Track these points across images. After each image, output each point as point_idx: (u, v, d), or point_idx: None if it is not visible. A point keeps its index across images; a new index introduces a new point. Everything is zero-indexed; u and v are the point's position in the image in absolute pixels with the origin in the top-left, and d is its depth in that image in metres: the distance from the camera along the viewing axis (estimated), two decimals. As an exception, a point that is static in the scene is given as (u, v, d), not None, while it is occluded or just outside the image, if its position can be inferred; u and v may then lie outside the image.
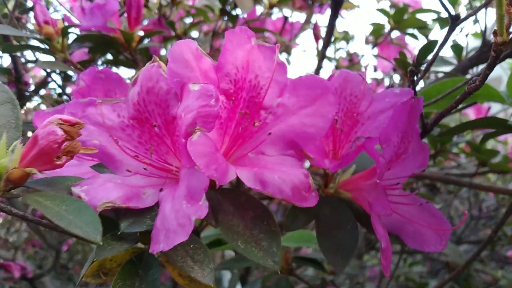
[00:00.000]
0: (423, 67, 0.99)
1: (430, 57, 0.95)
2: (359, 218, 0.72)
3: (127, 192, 0.54)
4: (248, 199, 0.62)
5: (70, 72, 1.36)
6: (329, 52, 2.50)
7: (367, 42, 2.30)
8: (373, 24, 1.76)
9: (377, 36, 1.78)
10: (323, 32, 2.17)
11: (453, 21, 0.67)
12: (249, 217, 0.59)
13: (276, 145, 0.62)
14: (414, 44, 2.42)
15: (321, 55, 1.24)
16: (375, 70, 2.48)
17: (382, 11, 1.66)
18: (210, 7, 1.53)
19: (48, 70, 1.26)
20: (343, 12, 2.21)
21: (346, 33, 2.36)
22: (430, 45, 0.93)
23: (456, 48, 1.21)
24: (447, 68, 1.32)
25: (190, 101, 0.52)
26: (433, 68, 1.16)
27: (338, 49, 2.35)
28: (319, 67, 1.26)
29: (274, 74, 0.63)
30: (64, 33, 1.04)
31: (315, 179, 0.77)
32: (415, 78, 0.79)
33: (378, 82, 2.73)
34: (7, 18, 1.13)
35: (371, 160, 0.66)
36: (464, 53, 1.31)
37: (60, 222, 0.46)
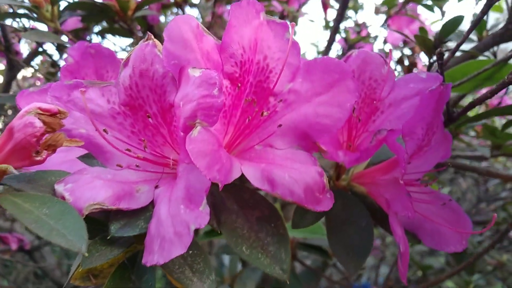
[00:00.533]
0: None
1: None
2: (374, 213, 0.66)
3: (117, 190, 0.47)
4: (252, 195, 0.56)
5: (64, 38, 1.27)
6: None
7: (377, 12, 2.18)
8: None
9: (390, 6, 1.67)
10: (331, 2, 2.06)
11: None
12: (255, 218, 0.53)
13: (286, 137, 0.55)
14: (426, 15, 2.29)
15: (334, 28, 1.14)
16: (385, 42, 2.37)
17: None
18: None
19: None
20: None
21: (355, 1, 2.23)
22: (455, 22, 0.84)
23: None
24: (466, 45, 1.24)
25: (190, 89, 0.44)
26: (451, 44, 1.07)
27: (346, 18, 2.23)
28: (331, 40, 1.17)
29: (285, 55, 0.56)
30: (54, 0, 0.95)
31: (325, 170, 0.71)
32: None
33: (387, 54, 2.63)
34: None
35: (386, 150, 0.59)
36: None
37: (39, 231, 0.39)
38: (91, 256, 0.45)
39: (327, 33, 2.35)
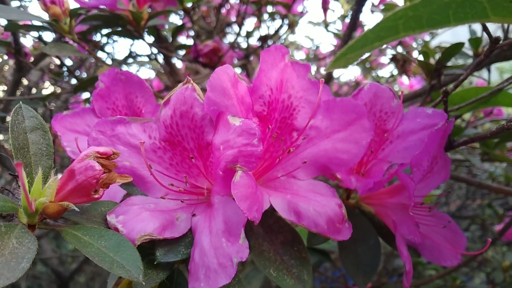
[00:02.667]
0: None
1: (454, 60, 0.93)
2: (380, 231, 0.73)
3: (163, 221, 0.53)
4: (276, 221, 0.62)
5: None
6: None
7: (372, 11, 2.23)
8: (385, 4, 1.70)
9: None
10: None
11: (493, 44, 0.65)
12: (279, 242, 0.60)
13: (308, 169, 0.61)
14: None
15: (345, 39, 1.19)
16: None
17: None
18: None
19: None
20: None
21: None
22: (455, 48, 0.91)
23: (474, 41, 1.18)
24: (461, 60, 1.30)
25: (231, 136, 0.50)
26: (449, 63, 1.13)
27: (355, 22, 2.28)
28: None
29: (307, 93, 0.62)
30: (73, 14, 0.98)
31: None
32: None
33: (380, 51, 2.69)
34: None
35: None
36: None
37: (102, 263, 0.45)
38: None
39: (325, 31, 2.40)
